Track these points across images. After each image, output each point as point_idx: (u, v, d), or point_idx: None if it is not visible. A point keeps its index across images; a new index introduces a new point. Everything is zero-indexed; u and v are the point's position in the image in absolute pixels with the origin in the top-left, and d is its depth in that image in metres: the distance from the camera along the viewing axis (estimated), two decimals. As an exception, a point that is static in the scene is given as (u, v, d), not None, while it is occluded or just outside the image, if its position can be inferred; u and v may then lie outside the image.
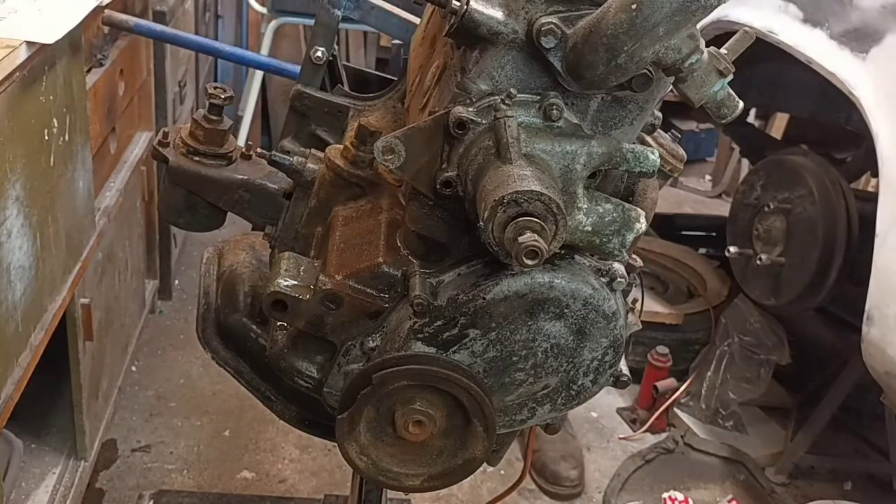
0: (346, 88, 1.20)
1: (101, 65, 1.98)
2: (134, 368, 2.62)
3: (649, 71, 0.80)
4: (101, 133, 2.00)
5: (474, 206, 0.79)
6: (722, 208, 3.80)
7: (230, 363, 1.14)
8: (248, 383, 1.13)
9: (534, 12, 0.81)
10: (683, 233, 3.36)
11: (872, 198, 1.88)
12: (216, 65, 3.76)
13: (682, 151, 0.98)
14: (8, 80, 1.33)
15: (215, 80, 3.63)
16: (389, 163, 0.85)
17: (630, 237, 0.87)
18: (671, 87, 0.83)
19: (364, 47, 4.00)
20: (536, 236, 0.74)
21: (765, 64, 2.47)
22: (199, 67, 3.20)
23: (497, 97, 0.82)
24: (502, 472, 2.33)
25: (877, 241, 1.79)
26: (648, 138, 0.95)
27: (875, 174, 2.37)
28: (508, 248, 0.75)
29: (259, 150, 1.12)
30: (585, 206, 0.84)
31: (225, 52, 2.37)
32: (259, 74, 3.49)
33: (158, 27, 2.21)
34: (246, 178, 1.12)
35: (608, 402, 2.71)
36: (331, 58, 1.18)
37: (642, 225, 0.86)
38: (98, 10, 1.86)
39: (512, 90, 0.82)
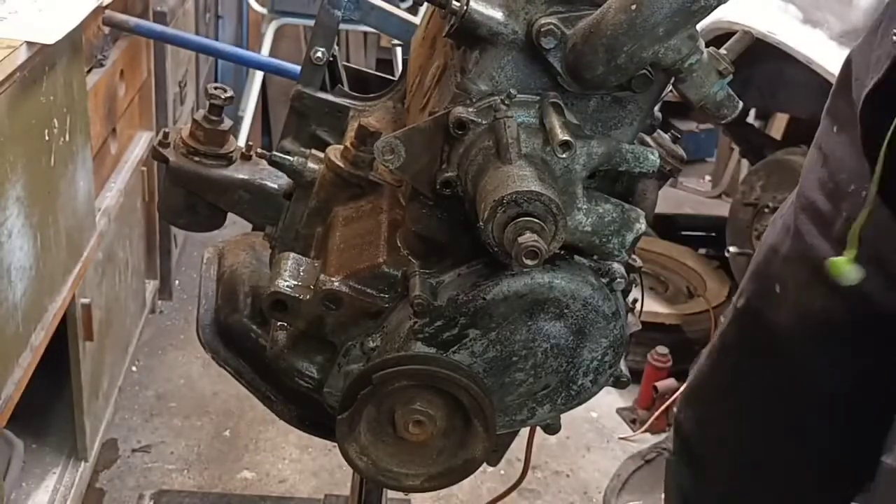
0: (346, 89, 1.20)
1: (102, 65, 1.99)
2: (134, 368, 2.62)
3: (649, 71, 0.80)
4: (102, 133, 2.00)
5: (474, 206, 0.79)
6: (722, 208, 3.80)
7: (230, 363, 1.14)
8: (248, 383, 1.13)
9: (533, 13, 0.81)
10: (683, 233, 3.36)
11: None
12: (216, 65, 3.76)
13: (681, 152, 0.98)
14: (8, 80, 1.33)
15: (215, 81, 3.63)
16: (389, 163, 0.85)
17: (630, 237, 0.87)
18: (671, 87, 0.83)
19: (364, 48, 4.00)
20: (536, 237, 0.74)
21: (765, 64, 2.47)
22: (199, 68, 3.20)
23: (497, 97, 0.82)
24: (502, 472, 2.34)
25: None
26: (648, 139, 0.96)
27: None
28: (508, 249, 0.75)
29: (259, 150, 1.12)
30: (585, 206, 0.84)
31: (225, 53, 2.37)
32: (259, 75, 3.49)
33: (159, 27, 2.21)
34: (246, 178, 1.12)
35: (608, 402, 2.71)
36: (331, 58, 1.18)
37: (642, 225, 0.87)
38: (98, 10, 1.86)
39: (512, 90, 0.82)
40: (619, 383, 0.95)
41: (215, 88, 1.11)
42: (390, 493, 1.47)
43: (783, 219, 1.33)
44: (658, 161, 0.86)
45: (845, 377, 1.23)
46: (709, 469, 1.48)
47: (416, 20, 1.24)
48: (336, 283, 0.90)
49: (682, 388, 1.55)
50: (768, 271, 1.33)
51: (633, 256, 0.96)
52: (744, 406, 1.40)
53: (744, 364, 1.39)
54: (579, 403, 0.94)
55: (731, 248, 2.57)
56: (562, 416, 0.96)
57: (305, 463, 2.38)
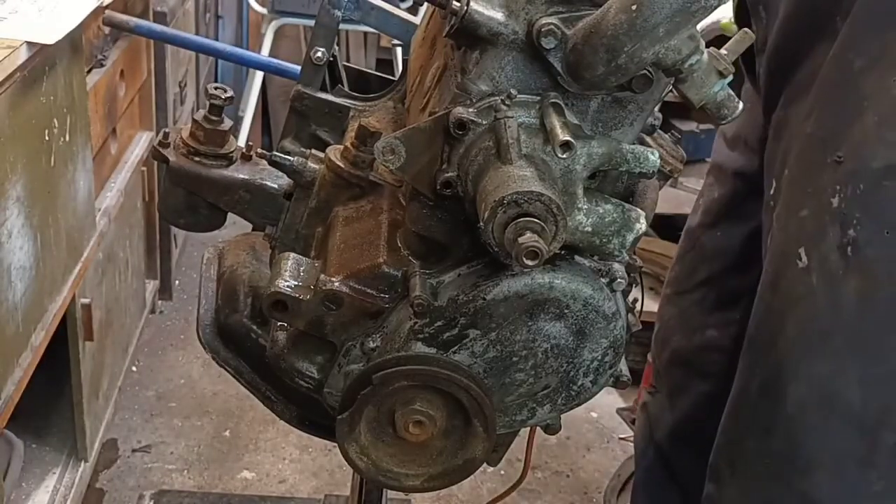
0: (347, 89, 1.20)
1: (102, 65, 1.98)
2: (134, 368, 2.62)
3: (649, 72, 0.80)
4: (102, 133, 2.00)
5: (474, 206, 0.79)
6: (722, 208, 3.79)
7: (230, 363, 1.14)
8: (248, 383, 1.13)
9: (534, 13, 0.81)
10: (683, 233, 3.36)
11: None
12: (216, 65, 3.76)
13: (682, 152, 0.98)
14: (9, 80, 1.33)
15: (216, 81, 3.63)
16: (390, 163, 0.85)
17: (630, 237, 0.87)
18: (671, 87, 0.83)
19: (364, 48, 4.00)
20: (536, 237, 0.74)
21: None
22: (199, 68, 3.20)
23: (497, 98, 0.82)
24: (502, 472, 2.34)
25: None
26: (648, 139, 0.96)
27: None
28: (509, 249, 0.75)
29: (259, 150, 1.12)
30: (585, 206, 0.84)
31: (225, 53, 2.37)
32: (259, 75, 3.49)
33: (159, 28, 2.21)
34: (246, 178, 1.12)
35: (608, 402, 2.71)
36: (331, 58, 1.18)
37: (642, 225, 0.87)
38: (98, 10, 1.86)
39: (512, 91, 0.82)
40: (619, 383, 0.95)
41: (215, 88, 1.11)
42: (390, 493, 1.47)
43: None
44: (658, 161, 0.86)
45: (738, 247, 1.50)
46: (659, 376, 1.71)
47: (416, 20, 1.24)
48: (336, 284, 0.90)
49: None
50: (698, 195, 1.64)
51: (634, 256, 0.96)
52: (683, 315, 1.65)
53: (683, 278, 1.65)
54: (579, 404, 0.94)
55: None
56: (562, 416, 0.96)
57: (305, 463, 2.38)
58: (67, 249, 1.68)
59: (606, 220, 0.85)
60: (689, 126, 4.32)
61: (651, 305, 2.80)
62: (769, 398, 1.18)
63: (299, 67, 1.20)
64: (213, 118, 1.11)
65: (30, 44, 1.38)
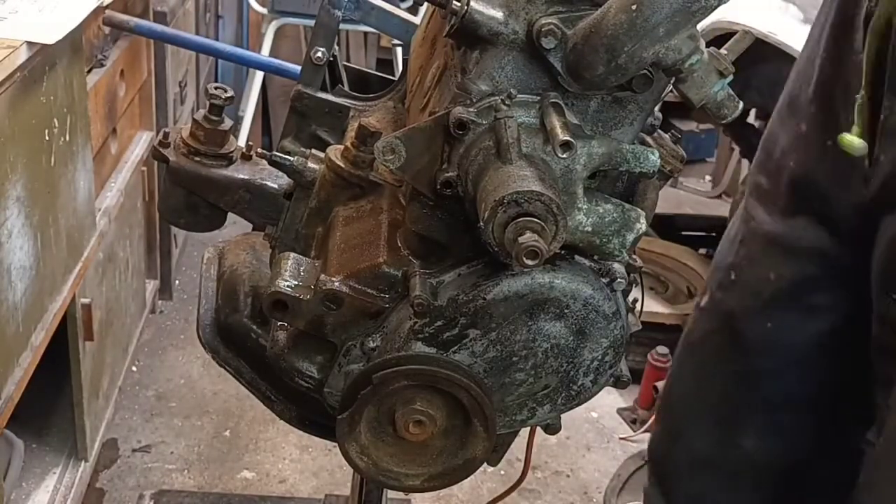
0: (347, 89, 1.20)
1: (102, 65, 1.99)
2: (134, 368, 2.62)
3: (649, 71, 0.80)
4: (102, 133, 2.00)
5: (474, 206, 0.79)
6: (722, 208, 3.80)
7: (230, 363, 1.14)
8: (248, 383, 1.13)
9: (534, 13, 0.81)
10: (683, 233, 3.36)
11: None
12: (217, 65, 3.76)
13: (682, 152, 0.98)
14: (9, 80, 1.34)
15: (216, 81, 3.63)
16: (390, 163, 0.85)
17: (630, 237, 0.87)
18: (671, 87, 0.83)
19: (364, 48, 4.00)
20: (536, 237, 0.74)
21: (765, 64, 2.47)
22: (199, 68, 3.20)
23: (497, 98, 0.82)
24: (502, 472, 2.34)
25: None
26: (648, 139, 0.96)
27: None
28: (508, 249, 0.75)
29: (260, 150, 1.12)
30: (585, 206, 0.84)
31: (225, 53, 2.37)
32: (259, 75, 3.49)
33: (159, 27, 2.22)
34: (246, 178, 1.12)
35: (608, 402, 2.71)
36: (331, 58, 1.18)
37: (642, 225, 0.87)
38: (99, 10, 1.86)
39: (512, 91, 0.82)
40: (619, 383, 0.95)
41: (215, 88, 1.11)
42: (390, 493, 1.47)
43: (739, 210, 1.36)
44: (658, 161, 0.86)
45: (806, 343, 1.22)
46: (677, 487, 1.42)
47: (417, 20, 1.24)
48: (336, 283, 0.90)
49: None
50: (725, 262, 1.33)
51: (634, 256, 0.96)
52: (708, 408, 1.36)
53: (707, 364, 1.35)
54: (579, 403, 0.94)
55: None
56: (562, 416, 0.96)
57: (305, 463, 2.38)
58: (67, 249, 1.68)
59: (606, 219, 0.86)
60: (689, 126, 4.32)
61: (651, 305, 2.80)
62: None
63: (299, 67, 1.20)
64: (213, 118, 1.11)
65: (30, 44, 1.38)
